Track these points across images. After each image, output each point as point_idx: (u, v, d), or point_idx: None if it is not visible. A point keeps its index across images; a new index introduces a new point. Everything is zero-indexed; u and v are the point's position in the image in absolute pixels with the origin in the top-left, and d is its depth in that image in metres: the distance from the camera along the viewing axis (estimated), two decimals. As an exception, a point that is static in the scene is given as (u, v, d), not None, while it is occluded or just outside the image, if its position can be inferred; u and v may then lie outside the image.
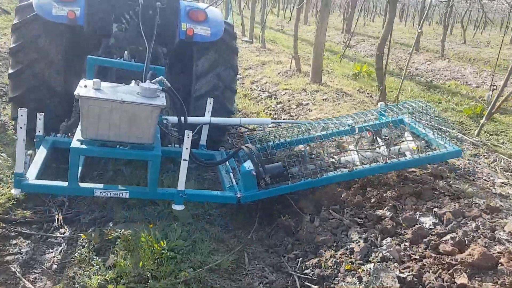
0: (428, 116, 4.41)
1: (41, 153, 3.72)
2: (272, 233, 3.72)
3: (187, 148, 3.29)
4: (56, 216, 3.73)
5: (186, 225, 3.69)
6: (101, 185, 3.42)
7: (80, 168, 3.48)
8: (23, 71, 4.19)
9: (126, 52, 4.31)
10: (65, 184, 3.29)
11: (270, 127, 5.69)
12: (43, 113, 3.80)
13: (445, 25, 15.36)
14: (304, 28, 22.47)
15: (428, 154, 3.97)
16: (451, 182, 4.02)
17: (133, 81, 3.47)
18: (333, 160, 4.22)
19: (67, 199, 4.00)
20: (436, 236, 3.23)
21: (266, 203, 4.16)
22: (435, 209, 3.55)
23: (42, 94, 4.24)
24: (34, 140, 3.85)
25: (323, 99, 7.12)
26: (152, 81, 3.44)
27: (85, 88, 3.13)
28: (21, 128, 3.09)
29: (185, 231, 3.51)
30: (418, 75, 12.45)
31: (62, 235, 3.52)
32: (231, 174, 4.06)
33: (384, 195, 3.84)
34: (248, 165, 3.69)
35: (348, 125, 4.32)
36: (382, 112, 4.62)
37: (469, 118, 7.92)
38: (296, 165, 4.01)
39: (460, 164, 4.56)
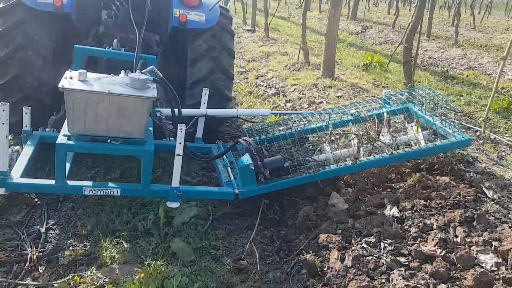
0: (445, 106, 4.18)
1: (28, 149, 3.54)
2: (293, 273, 3.04)
3: (180, 143, 3.11)
4: (30, 255, 3.06)
5: (187, 264, 3.02)
6: (90, 183, 3.24)
7: (68, 165, 3.36)
8: (10, 57, 3.95)
9: (115, 40, 4.11)
10: (52, 182, 3.12)
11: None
12: (30, 107, 3.65)
13: (459, 10, 14.50)
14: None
15: (435, 144, 3.81)
16: (506, 205, 3.33)
17: (122, 71, 3.27)
18: (336, 151, 3.98)
19: (45, 229, 3.34)
20: (503, 282, 2.56)
21: (284, 231, 3.49)
22: (495, 243, 2.87)
23: (29, 83, 3.99)
24: (21, 136, 3.70)
25: (338, 96, 6.40)
26: (143, 71, 3.25)
27: (70, 79, 2.96)
28: (3, 123, 2.93)
29: (186, 275, 2.84)
30: (432, 64, 11.67)
31: (34, 283, 2.84)
32: (229, 168, 3.87)
33: (428, 222, 3.16)
34: (246, 159, 3.52)
35: (351, 115, 4.13)
36: (387, 100, 4.40)
37: (496, 114, 7.21)
38: (297, 158, 3.80)
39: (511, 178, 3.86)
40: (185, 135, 3.16)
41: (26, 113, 3.63)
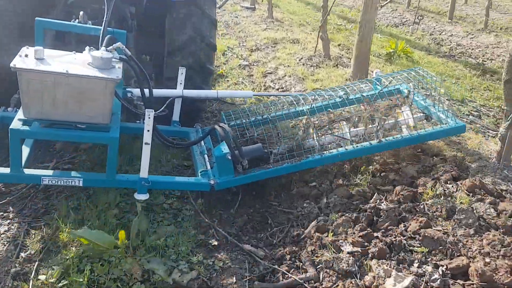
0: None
1: None
2: None
3: (148, 130, 2.94)
4: None
5: None
6: (49, 172, 3.02)
7: (27, 151, 3.23)
8: None
9: (81, 12, 3.71)
10: (7, 170, 2.90)
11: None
12: None
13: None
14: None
15: (427, 130, 3.68)
16: None
17: (86, 48, 3.01)
18: (321, 138, 3.78)
19: None
20: None
21: None
22: None
23: None
24: None
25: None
26: (109, 48, 2.98)
27: (25, 58, 2.70)
28: None
29: None
30: (463, 53, 9.96)
31: None
32: (206, 156, 3.62)
33: None
34: (223, 147, 3.35)
35: (339, 97, 4.03)
36: (377, 81, 4.27)
37: None
38: (278, 145, 3.72)
39: None
40: (161, 118, 3.10)
41: None
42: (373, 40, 10.36)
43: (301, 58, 6.80)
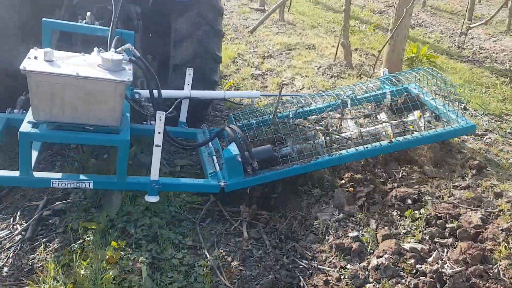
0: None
1: None
2: None
3: (159, 133, 2.88)
4: None
5: None
6: (59, 175, 2.98)
7: (36, 154, 3.19)
8: None
9: (88, 13, 3.58)
10: (16, 174, 2.88)
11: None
12: None
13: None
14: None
15: (437, 131, 3.68)
16: None
17: (95, 49, 2.97)
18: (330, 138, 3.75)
19: None
20: None
21: None
22: None
23: None
24: None
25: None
26: (118, 49, 2.94)
27: (34, 60, 2.67)
28: None
29: None
30: (487, 57, 9.31)
31: None
32: (214, 157, 3.56)
33: None
34: (232, 149, 3.30)
35: (347, 96, 3.98)
36: (385, 81, 4.29)
37: None
38: (288, 146, 3.64)
39: None
40: (168, 119, 3.06)
41: None
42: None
43: (320, 67, 6.18)
